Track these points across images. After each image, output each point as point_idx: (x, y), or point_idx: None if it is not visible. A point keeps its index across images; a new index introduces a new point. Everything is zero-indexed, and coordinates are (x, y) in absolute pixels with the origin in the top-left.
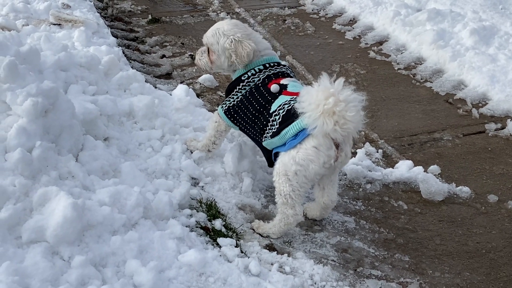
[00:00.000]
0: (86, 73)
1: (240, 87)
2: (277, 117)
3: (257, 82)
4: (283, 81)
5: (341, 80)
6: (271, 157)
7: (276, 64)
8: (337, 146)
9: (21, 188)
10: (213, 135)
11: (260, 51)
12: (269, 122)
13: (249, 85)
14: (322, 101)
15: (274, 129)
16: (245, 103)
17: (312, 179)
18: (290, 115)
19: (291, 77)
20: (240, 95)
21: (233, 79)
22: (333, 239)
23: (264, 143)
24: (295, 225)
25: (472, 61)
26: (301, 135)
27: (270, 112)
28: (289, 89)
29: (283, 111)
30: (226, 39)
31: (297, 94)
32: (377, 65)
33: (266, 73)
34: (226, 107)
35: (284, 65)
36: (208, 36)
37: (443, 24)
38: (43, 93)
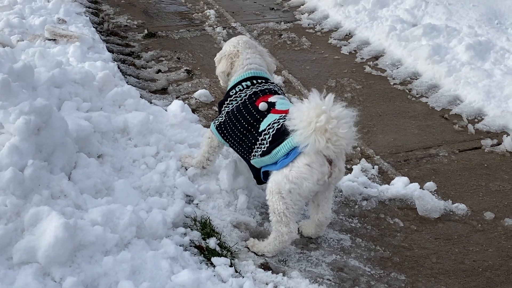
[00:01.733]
0: (80, 89)
1: (228, 101)
2: (266, 136)
3: (244, 99)
4: (271, 99)
5: (331, 96)
6: (259, 175)
7: (264, 80)
8: (330, 162)
9: (13, 208)
10: (207, 151)
11: (246, 65)
12: (258, 140)
13: (236, 100)
14: (313, 118)
15: (264, 148)
16: (233, 120)
17: (306, 196)
18: (280, 134)
19: (278, 94)
20: (228, 110)
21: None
22: (328, 257)
23: (252, 161)
24: (290, 243)
25: (468, 76)
26: (292, 154)
27: (259, 130)
28: (277, 107)
29: (272, 130)
30: (224, 48)
31: (286, 112)
32: (372, 80)
33: (254, 90)
34: (218, 123)
35: (272, 82)
36: None
37: (438, 39)
38: (36, 111)
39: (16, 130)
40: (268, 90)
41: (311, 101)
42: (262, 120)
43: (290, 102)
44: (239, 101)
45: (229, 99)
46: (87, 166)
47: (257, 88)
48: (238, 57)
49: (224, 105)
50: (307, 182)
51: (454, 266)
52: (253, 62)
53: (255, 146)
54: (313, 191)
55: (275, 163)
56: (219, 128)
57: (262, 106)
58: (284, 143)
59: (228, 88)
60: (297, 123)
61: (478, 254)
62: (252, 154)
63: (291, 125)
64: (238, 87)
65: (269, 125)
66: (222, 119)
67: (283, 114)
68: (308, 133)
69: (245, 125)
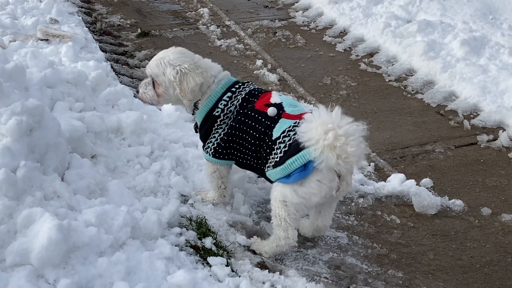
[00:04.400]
0: (73, 89)
1: (219, 123)
2: (282, 145)
3: (239, 110)
4: (273, 99)
5: (338, 110)
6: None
7: (239, 84)
8: (338, 176)
9: (5, 209)
10: (221, 183)
11: (215, 76)
12: (273, 150)
13: (227, 116)
14: (321, 135)
15: (277, 158)
16: (239, 134)
17: (310, 207)
18: (297, 144)
19: (265, 90)
20: (226, 128)
21: (197, 116)
22: (325, 255)
23: (267, 174)
24: (287, 248)
25: (463, 72)
26: (310, 167)
27: (273, 139)
28: (287, 110)
29: (289, 139)
30: (172, 70)
31: (300, 117)
32: (368, 77)
33: (239, 97)
34: (212, 149)
35: (247, 81)
36: (152, 67)
37: (433, 35)
38: (28, 112)
39: (8, 131)
40: (253, 90)
41: (319, 117)
42: (274, 127)
43: (291, 98)
44: (233, 116)
45: (218, 120)
46: (81, 167)
47: (242, 94)
48: (198, 69)
49: (213, 130)
50: (315, 197)
51: (451, 263)
52: (218, 69)
53: (270, 157)
54: (319, 204)
55: (288, 176)
56: (216, 153)
57: (271, 111)
58: (300, 154)
59: (204, 110)
60: (307, 140)
61: (476, 250)
62: (267, 166)
63: (302, 140)
64: (222, 103)
65: (283, 132)
66: (215, 144)
67: (298, 120)
68: (320, 150)
69: (255, 135)
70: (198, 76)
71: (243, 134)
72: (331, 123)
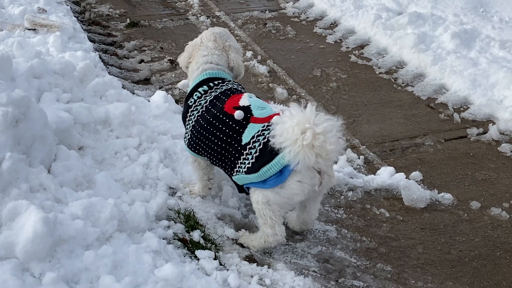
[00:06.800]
0: (60, 80)
1: (190, 113)
2: (252, 151)
3: (207, 106)
4: (242, 102)
5: (312, 107)
6: (242, 187)
7: (221, 80)
8: (319, 172)
9: None
10: (203, 174)
11: (201, 64)
12: (242, 155)
13: (196, 109)
14: (299, 135)
15: (249, 164)
16: (205, 134)
17: (294, 205)
18: (268, 150)
19: (239, 91)
20: (194, 124)
21: None
22: (314, 249)
23: (234, 178)
24: (275, 245)
25: (454, 65)
26: (286, 172)
27: (242, 144)
28: (255, 114)
29: (259, 144)
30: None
31: (268, 119)
32: (358, 69)
33: (213, 94)
34: (187, 141)
35: (229, 81)
36: None
37: (424, 28)
38: (13, 103)
39: None
40: (229, 90)
41: (293, 116)
42: (243, 132)
43: (261, 100)
44: (202, 110)
45: (190, 110)
46: (67, 159)
47: (216, 91)
48: (198, 51)
49: (187, 118)
50: (298, 197)
51: (440, 256)
52: (209, 60)
53: (239, 161)
54: (302, 200)
55: (264, 181)
56: (190, 146)
57: (238, 115)
58: (274, 161)
59: (186, 95)
60: (282, 141)
61: (465, 244)
62: (235, 170)
63: (277, 144)
64: (196, 94)
65: (252, 137)
66: (189, 135)
67: (266, 124)
68: (297, 151)
69: (223, 137)
70: (185, 58)
71: (209, 135)
72: (308, 122)
